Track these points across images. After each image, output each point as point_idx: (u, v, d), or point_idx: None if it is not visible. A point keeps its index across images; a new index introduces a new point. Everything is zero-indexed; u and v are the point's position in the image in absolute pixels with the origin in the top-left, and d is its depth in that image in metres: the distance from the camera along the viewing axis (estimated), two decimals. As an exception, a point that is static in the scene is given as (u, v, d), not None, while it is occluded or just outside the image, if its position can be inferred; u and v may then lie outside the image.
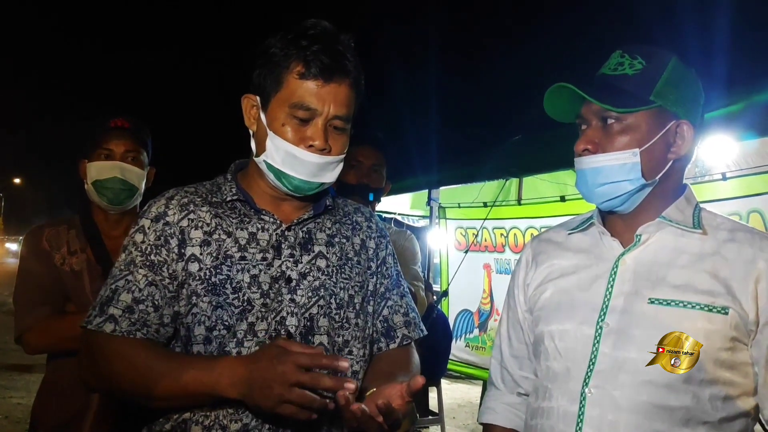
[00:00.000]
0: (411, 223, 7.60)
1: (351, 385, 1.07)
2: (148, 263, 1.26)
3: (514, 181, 5.45)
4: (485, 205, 5.60)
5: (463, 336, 5.88)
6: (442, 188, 5.83)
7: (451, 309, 6.04)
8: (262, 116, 1.29)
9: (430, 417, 5.59)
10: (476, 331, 5.80)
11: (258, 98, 1.31)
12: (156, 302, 1.24)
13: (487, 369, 5.29)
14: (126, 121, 2.11)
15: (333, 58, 1.25)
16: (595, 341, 1.23)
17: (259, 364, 1.09)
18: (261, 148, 1.30)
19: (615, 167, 1.23)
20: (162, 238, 1.27)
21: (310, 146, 1.26)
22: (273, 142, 1.27)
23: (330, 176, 1.30)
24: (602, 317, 1.24)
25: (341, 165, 1.32)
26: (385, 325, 1.42)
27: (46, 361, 2.05)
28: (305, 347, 1.10)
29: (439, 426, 5.42)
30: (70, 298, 2.00)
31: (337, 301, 1.32)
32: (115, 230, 2.10)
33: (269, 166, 1.28)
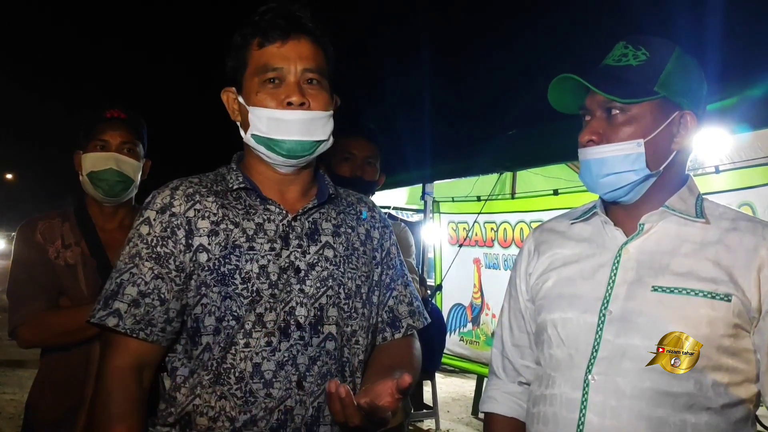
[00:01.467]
0: (405, 218, 7.61)
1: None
2: (154, 256, 1.25)
3: (508, 174, 5.45)
4: (479, 199, 5.60)
5: (457, 330, 5.90)
6: (436, 182, 5.83)
7: (445, 303, 6.06)
8: (240, 99, 1.31)
9: (424, 410, 5.61)
10: (470, 325, 5.82)
11: (234, 88, 1.33)
12: (162, 296, 1.24)
13: (481, 363, 5.30)
14: (122, 112, 2.08)
15: (286, 19, 1.28)
16: (598, 329, 1.24)
17: None
18: (247, 128, 1.30)
19: (619, 158, 1.23)
20: (169, 229, 1.26)
21: (289, 104, 1.26)
22: (254, 113, 1.28)
23: (321, 133, 1.29)
24: (605, 305, 1.25)
25: (331, 122, 1.31)
26: (391, 315, 1.42)
27: (39, 356, 2.04)
28: None
29: (434, 419, 5.44)
30: (64, 291, 1.98)
31: (346, 291, 1.32)
32: (110, 223, 2.09)
33: (257, 138, 1.28)
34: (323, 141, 1.30)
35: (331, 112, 1.31)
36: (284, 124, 1.26)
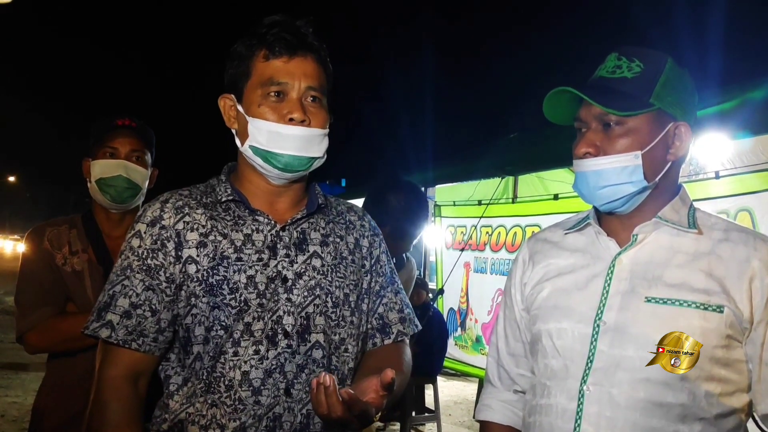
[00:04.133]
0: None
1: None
2: (144, 268, 1.27)
3: (510, 179, 5.46)
4: (480, 203, 5.61)
5: (452, 334, 5.92)
6: (438, 186, 5.85)
7: (445, 307, 6.07)
8: (240, 108, 1.32)
9: (426, 414, 5.62)
10: (459, 330, 5.85)
11: (233, 95, 1.34)
12: (153, 307, 1.26)
13: (472, 366, 5.30)
14: (132, 121, 2.10)
15: (293, 35, 1.29)
16: (593, 339, 1.24)
17: None
18: (244, 137, 1.31)
19: (617, 170, 1.23)
20: (159, 242, 1.28)
21: (290, 120, 1.28)
22: (254, 125, 1.29)
23: (317, 150, 1.31)
24: (599, 316, 1.25)
25: (327, 140, 1.33)
26: (380, 321, 1.43)
27: (46, 360, 2.06)
28: None
29: (435, 423, 5.44)
30: (71, 298, 2.00)
31: (333, 299, 1.33)
32: (117, 230, 2.10)
33: (255, 150, 1.29)
34: (318, 158, 1.32)
35: (328, 130, 1.33)
36: (283, 139, 1.27)
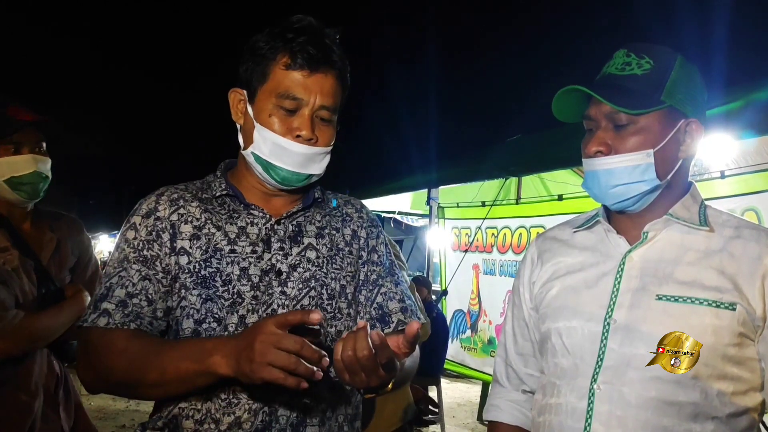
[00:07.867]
0: (410, 223, 7.61)
1: (326, 360, 1.04)
2: (141, 258, 1.27)
3: (513, 180, 5.46)
4: (483, 204, 5.61)
5: (458, 337, 5.90)
6: (441, 187, 5.84)
7: (449, 309, 6.06)
8: (249, 109, 1.30)
9: (429, 416, 5.60)
10: (468, 332, 5.82)
11: (245, 92, 1.32)
12: (149, 296, 1.25)
13: (479, 370, 5.28)
14: (28, 113, 2.01)
15: (319, 49, 1.26)
16: (603, 337, 1.24)
17: (245, 333, 1.08)
18: (248, 141, 1.30)
19: (629, 168, 1.23)
20: (154, 233, 1.28)
21: (297, 137, 1.26)
22: (260, 133, 1.28)
23: (317, 168, 1.30)
24: (610, 314, 1.25)
25: (329, 157, 1.32)
26: (380, 311, 1.39)
27: None
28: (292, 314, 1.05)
29: (439, 425, 5.43)
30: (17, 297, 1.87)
31: (329, 291, 1.32)
32: (25, 223, 2.03)
33: (257, 158, 1.29)
34: (317, 174, 1.32)
35: (331, 147, 1.32)
36: (287, 154, 1.27)
